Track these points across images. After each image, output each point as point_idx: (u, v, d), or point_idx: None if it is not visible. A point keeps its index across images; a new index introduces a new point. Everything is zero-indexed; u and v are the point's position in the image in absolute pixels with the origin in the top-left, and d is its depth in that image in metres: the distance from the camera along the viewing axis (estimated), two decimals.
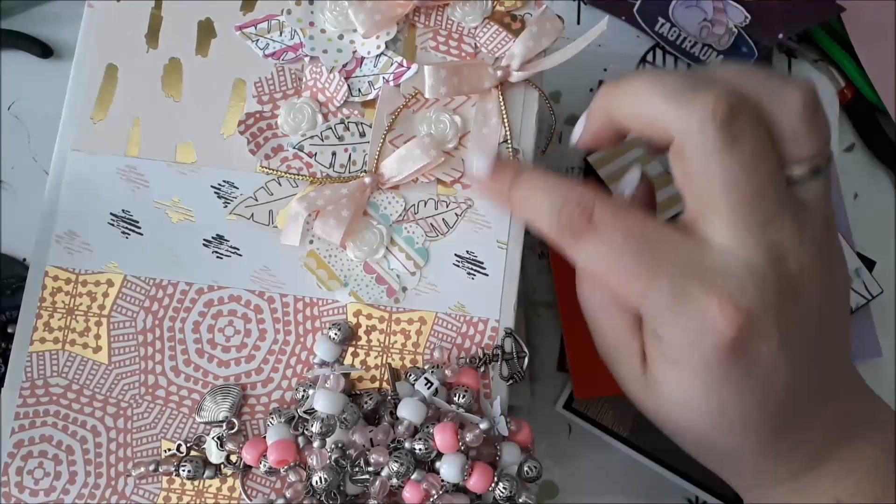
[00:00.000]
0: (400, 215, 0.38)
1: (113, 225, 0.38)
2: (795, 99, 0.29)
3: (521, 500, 0.33)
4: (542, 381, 0.49)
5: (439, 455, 0.33)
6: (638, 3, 0.53)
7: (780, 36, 0.52)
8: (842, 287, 0.31)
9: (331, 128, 0.38)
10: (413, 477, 0.32)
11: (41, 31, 0.50)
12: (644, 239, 0.28)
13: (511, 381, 0.36)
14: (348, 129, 0.38)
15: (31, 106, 0.50)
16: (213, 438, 0.35)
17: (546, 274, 0.50)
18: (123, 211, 0.38)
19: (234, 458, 0.35)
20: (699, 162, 0.28)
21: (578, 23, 0.54)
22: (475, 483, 0.33)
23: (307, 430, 0.34)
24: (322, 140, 0.38)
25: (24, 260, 0.48)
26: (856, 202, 0.54)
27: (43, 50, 0.49)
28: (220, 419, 0.36)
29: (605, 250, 0.29)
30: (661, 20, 0.53)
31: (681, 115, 0.28)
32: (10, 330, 0.47)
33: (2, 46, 0.49)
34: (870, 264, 0.51)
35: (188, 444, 0.36)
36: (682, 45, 0.53)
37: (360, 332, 0.37)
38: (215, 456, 0.35)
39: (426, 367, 0.36)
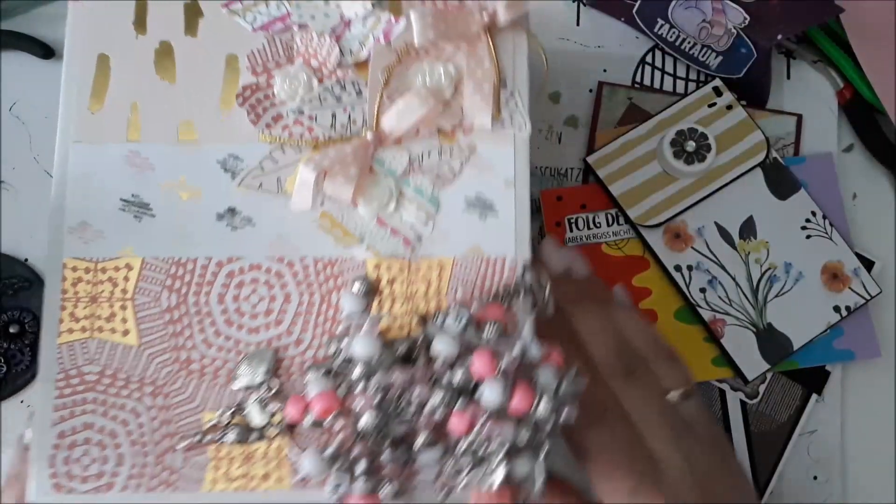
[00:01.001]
0: (406, 168, 0.39)
1: (124, 210, 0.38)
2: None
3: (564, 415, 0.34)
4: None
5: (479, 383, 0.34)
6: (637, 5, 0.53)
7: (779, 37, 0.52)
8: (731, 469, 0.40)
9: (328, 89, 0.39)
10: (456, 407, 0.34)
11: (42, 32, 0.50)
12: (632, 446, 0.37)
13: (535, 312, 0.38)
14: (345, 89, 0.39)
15: (33, 106, 0.50)
16: (253, 403, 0.36)
17: None
18: (133, 195, 0.38)
19: (277, 418, 0.36)
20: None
21: (578, 24, 0.55)
22: (517, 403, 0.34)
23: (347, 379, 0.35)
24: (321, 103, 0.39)
25: (26, 260, 0.48)
26: (854, 202, 0.54)
27: (44, 51, 0.49)
28: (258, 383, 0.36)
29: (609, 441, 0.37)
30: (661, 21, 0.53)
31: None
32: (11, 329, 0.47)
33: (3, 47, 0.50)
34: (868, 264, 0.52)
35: (230, 412, 0.36)
36: (681, 46, 0.54)
37: (382, 284, 0.38)
38: (258, 419, 0.36)
39: (452, 308, 0.37)
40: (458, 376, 0.34)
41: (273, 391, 0.36)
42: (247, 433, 0.36)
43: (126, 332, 0.37)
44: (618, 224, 0.52)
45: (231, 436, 0.36)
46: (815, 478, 0.51)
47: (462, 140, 0.39)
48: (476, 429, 0.34)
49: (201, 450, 0.36)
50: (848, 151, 0.55)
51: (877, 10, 0.55)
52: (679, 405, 0.39)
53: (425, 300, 0.38)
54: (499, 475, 0.34)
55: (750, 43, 0.52)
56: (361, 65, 0.39)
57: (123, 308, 0.37)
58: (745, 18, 0.52)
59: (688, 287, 0.51)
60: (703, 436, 0.39)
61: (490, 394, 0.34)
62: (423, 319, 0.37)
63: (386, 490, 0.34)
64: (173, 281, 0.38)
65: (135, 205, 0.38)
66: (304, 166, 0.37)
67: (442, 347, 0.35)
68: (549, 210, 0.51)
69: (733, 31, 0.52)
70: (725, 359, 0.51)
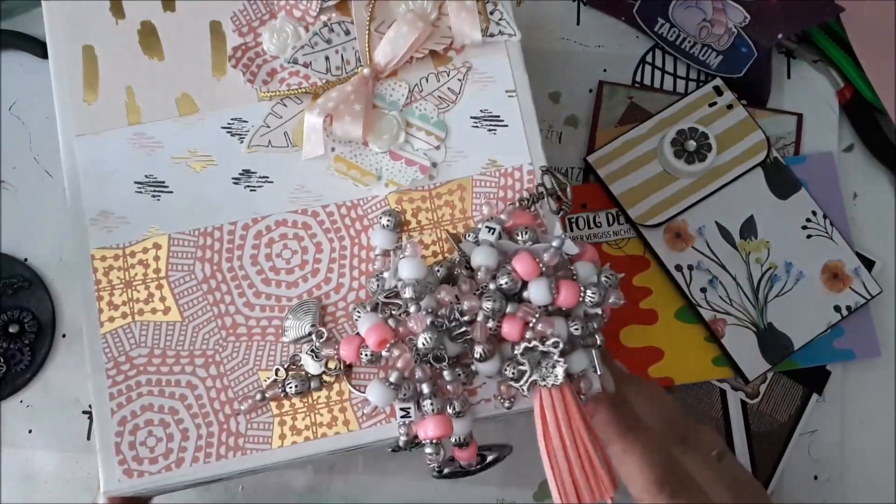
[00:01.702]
0: (407, 98, 0.39)
1: (141, 192, 0.38)
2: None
3: (611, 300, 0.35)
4: None
5: (524, 286, 0.34)
6: (637, 4, 0.53)
7: (780, 36, 0.51)
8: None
9: (317, 33, 0.39)
10: (507, 310, 0.34)
11: (42, 32, 0.50)
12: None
13: (561, 213, 0.38)
14: (332, 30, 0.39)
15: (32, 106, 0.50)
16: (306, 353, 0.36)
17: None
18: (146, 176, 0.38)
19: (332, 364, 0.36)
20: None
21: (578, 23, 0.55)
22: (565, 297, 0.34)
23: (394, 311, 0.35)
24: (313, 48, 0.39)
25: (26, 260, 0.48)
26: (855, 202, 0.54)
27: (44, 50, 0.49)
28: (307, 333, 0.36)
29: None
30: (661, 21, 0.53)
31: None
32: (11, 329, 0.47)
33: (3, 47, 0.50)
34: (869, 264, 0.52)
35: (285, 367, 0.36)
36: (681, 45, 0.53)
37: (408, 216, 0.38)
38: (313, 367, 0.36)
39: (482, 224, 0.37)
40: (503, 280, 0.34)
41: (323, 338, 0.36)
42: (306, 383, 0.36)
43: (167, 310, 0.37)
44: (618, 223, 0.52)
45: (291, 388, 0.36)
46: (816, 477, 0.51)
47: (456, 59, 0.39)
48: (529, 329, 0.34)
49: (264, 409, 0.36)
50: (848, 151, 0.55)
51: (877, 9, 0.54)
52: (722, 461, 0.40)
53: (452, 224, 0.38)
54: (559, 371, 0.34)
55: (750, 42, 0.51)
56: (342, 5, 0.39)
57: (160, 287, 0.37)
58: (746, 17, 0.51)
59: (688, 287, 0.50)
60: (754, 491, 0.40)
61: (538, 292, 0.34)
62: (457, 238, 0.37)
63: (451, 410, 0.34)
64: (204, 251, 0.37)
65: (150, 185, 0.38)
66: (310, 113, 0.37)
67: (482, 259, 0.35)
68: None
69: (734, 30, 0.51)
70: (726, 358, 0.50)
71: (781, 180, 0.52)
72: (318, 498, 0.48)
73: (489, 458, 0.37)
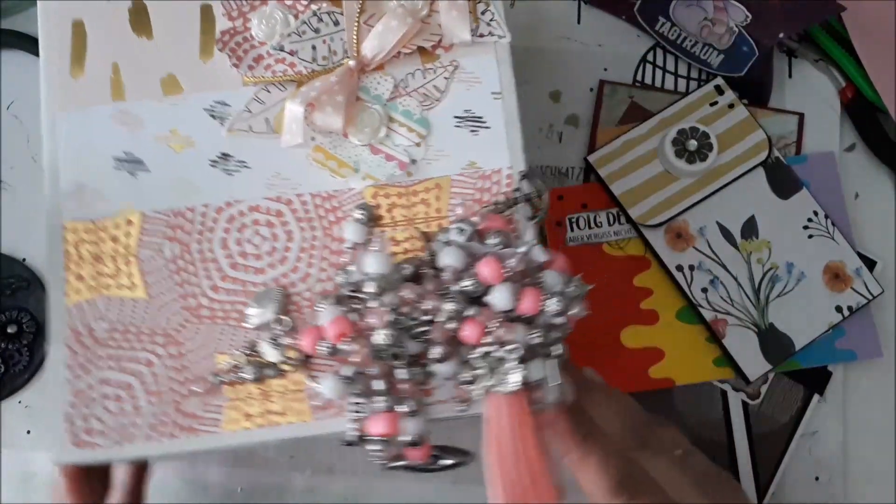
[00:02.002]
0: (392, 92, 0.39)
1: (119, 169, 0.38)
2: None
3: (574, 311, 0.34)
4: None
5: (488, 290, 0.34)
6: (638, 3, 0.53)
7: (781, 35, 0.51)
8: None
9: (305, 22, 0.39)
10: (470, 313, 0.33)
11: None
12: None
13: (536, 220, 0.37)
14: (321, 20, 0.39)
15: (31, 105, 0.50)
16: (266, 340, 0.36)
17: None
18: (125, 153, 0.38)
19: (292, 353, 0.36)
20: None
21: (579, 22, 0.55)
22: (527, 305, 0.33)
23: (357, 306, 0.34)
24: (300, 36, 0.39)
25: (24, 260, 0.49)
26: (856, 202, 0.53)
27: None
28: (269, 321, 0.36)
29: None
30: (662, 19, 0.53)
31: None
32: (9, 330, 0.47)
33: (1, 46, 0.50)
34: (870, 264, 0.51)
35: (244, 353, 0.36)
36: (682, 44, 0.53)
37: (382, 211, 0.38)
38: (272, 355, 0.36)
39: (454, 224, 0.37)
40: (466, 283, 0.33)
41: (284, 327, 0.36)
42: (262, 370, 0.36)
43: (133, 286, 0.37)
44: (619, 223, 0.51)
45: (246, 374, 0.35)
46: (817, 479, 0.50)
47: (444, 57, 0.39)
48: (489, 333, 0.33)
49: (218, 392, 0.36)
50: (850, 150, 0.54)
51: (878, 8, 0.54)
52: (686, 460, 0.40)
53: (426, 223, 0.38)
54: (515, 378, 0.33)
55: (751, 41, 0.51)
56: None
57: (128, 263, 0.37)
58: (747, 17, 0.51)
59: (689, 287, 0.50)
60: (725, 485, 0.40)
61: (499, 297, 0.33)
62: (427, 236, 0.37)
63: (405, 408, 0.34)
64: (175, 231, 0.37)
65: (128, 162, 0.38)
66: (292, 101, 0.37)
67: (449, 259, 0.34)
68: (551, 209, 0.51)
69: (735, 29, 0.51)
70: (727, 359, 0.50)
71: (783, 180, 0.52)
72: (317, 498, 0.48)
73: (443, 462, 0.36)
